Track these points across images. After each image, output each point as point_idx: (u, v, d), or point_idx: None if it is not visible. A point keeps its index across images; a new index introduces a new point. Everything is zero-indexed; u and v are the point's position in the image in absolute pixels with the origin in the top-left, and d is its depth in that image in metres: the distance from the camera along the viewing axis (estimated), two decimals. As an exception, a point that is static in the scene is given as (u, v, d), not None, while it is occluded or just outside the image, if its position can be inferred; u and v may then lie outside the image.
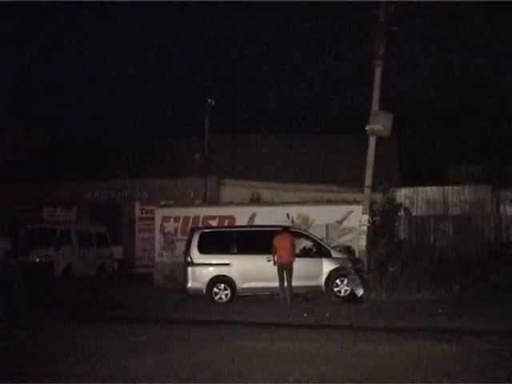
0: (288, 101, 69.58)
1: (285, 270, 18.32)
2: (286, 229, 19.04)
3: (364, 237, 20.25)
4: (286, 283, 18.32)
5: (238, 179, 28.95)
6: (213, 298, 19.01)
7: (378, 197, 22.45)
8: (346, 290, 18.89)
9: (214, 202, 26.99)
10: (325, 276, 18.99)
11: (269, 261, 18.62)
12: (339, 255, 19.41)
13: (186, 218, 22.90)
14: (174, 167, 30.63)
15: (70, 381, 7.98)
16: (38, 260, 21.84)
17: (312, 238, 19.72)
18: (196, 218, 22.73)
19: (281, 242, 18.45)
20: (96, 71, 78.72)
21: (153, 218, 24.54)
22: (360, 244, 20.30)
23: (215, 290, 19.12)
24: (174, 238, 22.90)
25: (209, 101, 28.78)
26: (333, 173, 28.93)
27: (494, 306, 16.48)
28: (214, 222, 22.31)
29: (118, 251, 27.78)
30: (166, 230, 23.13)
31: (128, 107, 70.83)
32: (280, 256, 18.31)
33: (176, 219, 23.13)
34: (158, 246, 23.26)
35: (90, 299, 19.33)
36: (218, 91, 62.08)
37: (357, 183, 22.43)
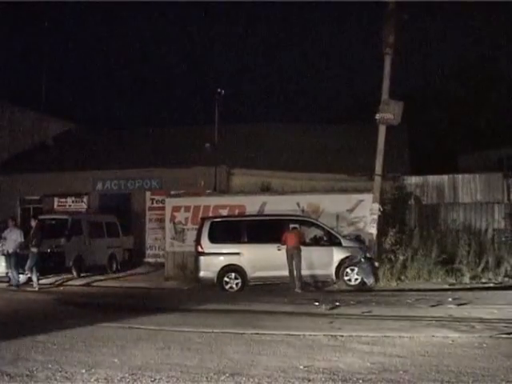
0: (298, 89, 69.38)
1: (293, 255, 18.39)
2: (294, 227, 19.20)
3: (374, 225, 20.25)
4: (295, 270, 18.40)
5: (249, 168, 28.92)
6: (224, 287, 19.09)
7: (388, 185, 22.40)
8: (356, 279, 18.94)
9: (225, 191, 27.00)
10: (335, 265, 19.05)
11: (279, 250, 18.70)
12: (350, 244, 19.44)
13: (197, 208, 22.90)
14: (185, 157, 30.63)
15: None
16: (49, 250, 21.94)
17: (322, 227, 19.76)
18: (206, 208, 22.73)
19: (288, 234, 18.78)
20: (107, 60, 78.74)
21: (163, 208, 24.58)
22: (370, 233, 20.31)
23: (226, 279, 19.21)
24: (185, 227, 22.92)
25: (219, 90, 28.72)
26: (343, 161, 28.89)
27: (504, 294, 16.47)
28: (224, 212, 22.29)
29: (128, 241, 27.87)
30: (176, 220, 23.15)
31: (138, 97, 70.84)
32: (289, 243, 18.45)
33: (186, 209, 23.12)
34: (168, 235, 23.30)
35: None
36: (228, 80, 62.04)
37: (367, 172, 22.39)
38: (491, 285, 18.39)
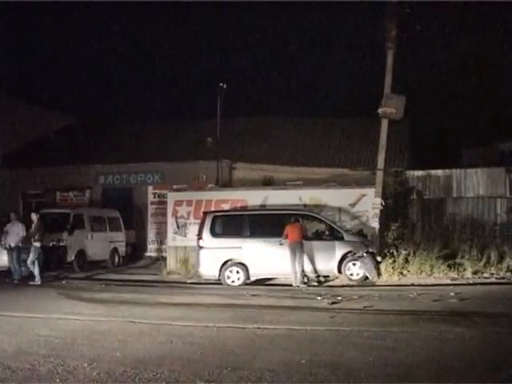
0: (301, 83, 69.26)
1: (296, 249, 18.36)
2: (296, 220, 19.06)
3: (376, 220, 20.24)
4: (297, 265, 18.37)
5: (251, 163, 28.90)
6: (225, 281, 19.08)
7: (391, 180, 22.36)
8: (358, 274, 18.91)
9: (227, 185, 26.99)
10: (337, 259, 19.01)
11: (281, 244, 18.67)
12: (352, 238, 19.41)
13: (199, 202, 22.87)
14: (187, 151, 30.61)
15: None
16: (51, 244, 21.96)
17: (325, 222, 19.72)
18: (208, 202, 22.69)
19: (290, 228, 18.67)
20: (109, 55, 78.58)
21: (165, 202, 24.57)
22: (373, 227, 20.30)
23: (228, 273, 19.19)
24: (187, 221, 22.91)
25: (221, 84, 28.64)
26: (345, 156, 28.89)
27: (506, 288, 16.47)
28: (226, 206, 22.27)
29: (130, 235, 27.88)
30: (178, 214, 23.13)
31: (140, 91, 70.71)
32: (291, 237, 18.42)
33: (188, 203, 23.10)
34: (170, 229, 23.29)
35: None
36: (230, 74, 61.93)
37: (369, 166, 22.37)
38: (493, 280, 18.37)
